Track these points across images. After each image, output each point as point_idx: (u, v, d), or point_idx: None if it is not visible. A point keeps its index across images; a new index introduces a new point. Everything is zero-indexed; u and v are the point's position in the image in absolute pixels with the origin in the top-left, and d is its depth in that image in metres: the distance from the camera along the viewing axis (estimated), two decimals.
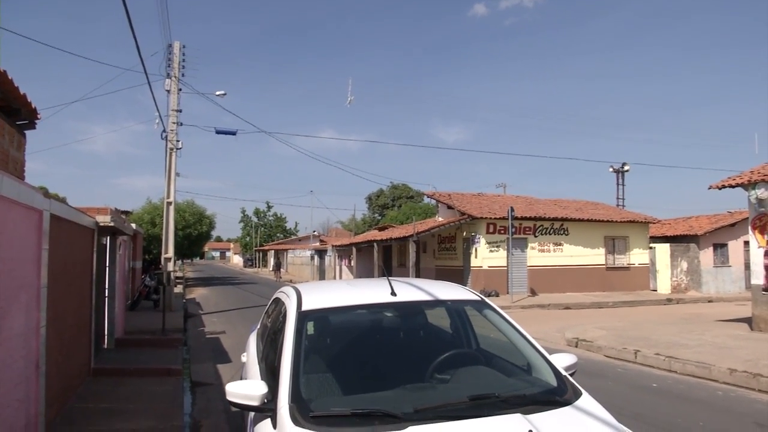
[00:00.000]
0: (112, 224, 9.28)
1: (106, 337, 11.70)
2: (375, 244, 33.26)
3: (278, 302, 4.93)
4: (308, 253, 53.40)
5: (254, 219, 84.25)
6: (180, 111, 21.52)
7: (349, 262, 41.36)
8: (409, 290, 4.24)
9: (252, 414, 3.70)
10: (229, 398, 3.34)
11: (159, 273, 18.49)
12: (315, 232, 58.25)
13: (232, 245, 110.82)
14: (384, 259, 35.06)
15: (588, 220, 28.79)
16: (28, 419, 5.25)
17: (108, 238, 11.33)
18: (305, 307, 3.91)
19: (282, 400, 3.15)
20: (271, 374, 3.67)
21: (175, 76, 21.39)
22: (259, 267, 78.18)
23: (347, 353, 3.93)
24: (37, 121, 5.42)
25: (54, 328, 6.30)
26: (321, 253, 50.74)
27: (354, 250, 39.49)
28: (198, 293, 31.72)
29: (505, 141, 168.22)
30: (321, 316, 4.02)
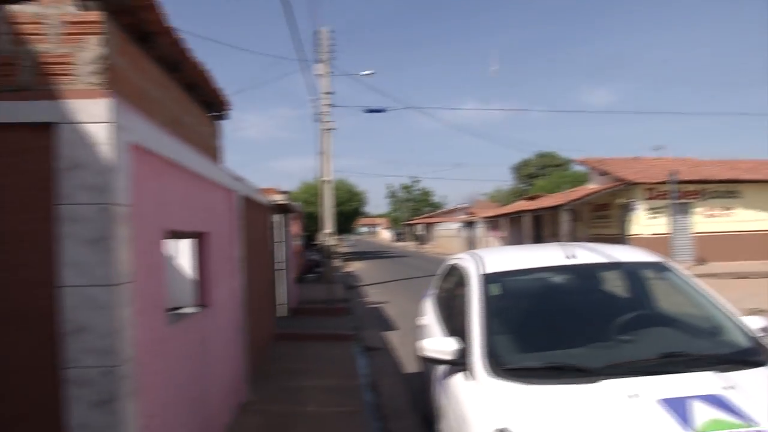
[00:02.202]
0: (285, 203, 10.07)
1: (281, 306, 12.81)
2: (525, 214, 32.71)
3: (455, 268, 5.20)
4: (456, 225, 53.68)
5: (402, 194, 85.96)
6: (332, 93, 22.56)
7: (499, 233, 41.08)
8: (586, 253, 4.29)
9: (440, 370, 3.99)
10: (425, 353, 3.65)
11: (322, 248, 19.72)
12: (463, 204, 58.28)
13: (380, 220, 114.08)
14: (535, 229, 34.39)
15: (765, 181, 26.04)
16: (233, 375, 6.01)
17: (280, 216, 12.31)
18: (488, 270, 4.13)
19: (475, 354, 3.40)
20: (456, 333, 3.93)
21: (325, 61, 22.41)
22: (408, 241, 79.93)
23: (530, 313, 4.08)
24: (227, 112, 6.12)
25: (247, 296, 7.08)
26: (469, 225, 50.81)
27: (503, 221, 39.14)
28: (354, 267, 33.27)
29: (661, 99, 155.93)
30: (503, 278, 4.21)
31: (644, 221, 25.11)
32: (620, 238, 26.12)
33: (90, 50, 3.00)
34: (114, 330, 2.86)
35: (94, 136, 2.86)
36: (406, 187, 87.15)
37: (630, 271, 4.53)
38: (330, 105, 22.36)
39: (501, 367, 3.26)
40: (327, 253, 18.51)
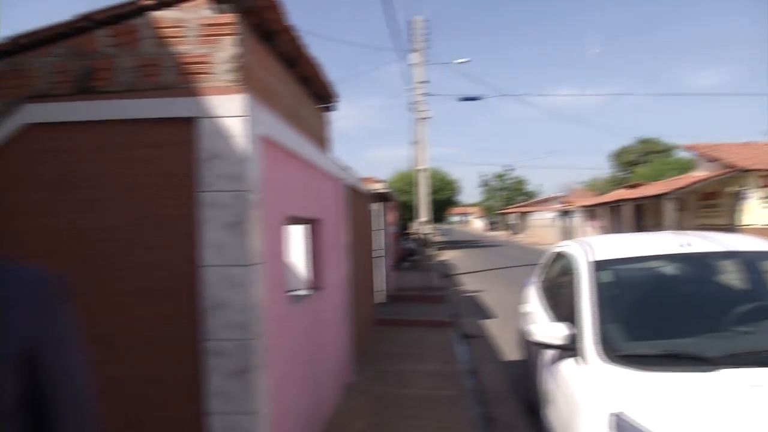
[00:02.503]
0: (384, 191, 10.29)
1: (379, 292, 13.11)
2: (625, 203, 31.42)
3: (562, 255, 5.19)
4: (551, 214, 52.38)
5: (495, 183, 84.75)
6: (426, 82, 22.63)
7: (597, 223, 39.70)
8: (701, 241, 4.17)
9: (548, 355, 4.02)
10: (534, 338, 3.70)
11: (417, 236, 19.92)
12: (558, 193, 56.78)
13: (472, 209, 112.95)
14: (636, 219, 32.97)
15: None
16: (340, 356, 6.29)
17: (378, 204, 12.58)
18: (597, 257, 4.11)
19: (587, 340, 3.42)
20: (564, 320, 3.95)
21: (419, 50, 22.49)
22: (501, 231, 78.81)
23: (643, 301, 4.03)
24: (335, 104, 6.37)
25: (352, 281, 7.36)
26: (565, 214, 49.42)
27: (602, 210, 37.78)
28: (448, 255, 33.32)
29: None
30: (613, 265, 4.18)
31: (757, 210, 23.48)
32: (730, 228, 24.55)
33: (225, 50, 3.27)
34: (248, 307, 3.13)
35: (231, 129, 3.13)
36: (499, 176, 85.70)
37: (749, 260, 4.35)
38: (424, 94, 22.45)
39: (614, 353, 3.27)
40: (422, 242, 18.69)
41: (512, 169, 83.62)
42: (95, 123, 3.30)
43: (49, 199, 3.30)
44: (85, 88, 3.39)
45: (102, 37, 3.40)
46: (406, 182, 36.78)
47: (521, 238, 51.49)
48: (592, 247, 4.37)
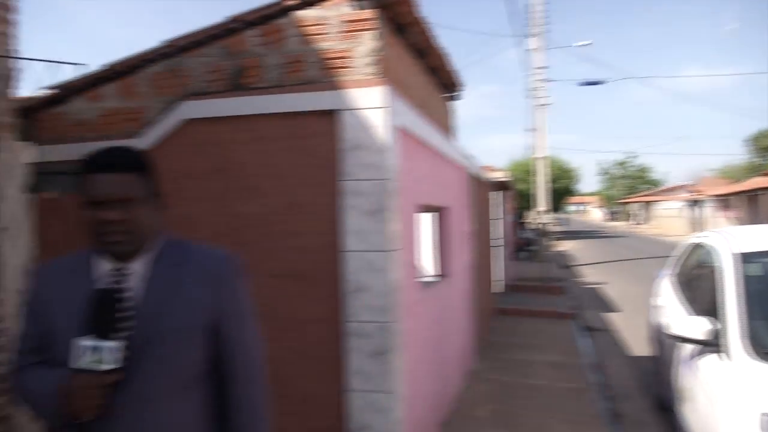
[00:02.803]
0: (503, 180, 10.18)
1: (498, 282, 13.00)
2: (764, 192, 28.89)
3: (700, 247, 4.93)
4: (678, 204, 49.19)
5: (616, 171, 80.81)
6: (545, 68, 22.00)
7: (732, 213, 36.81)
8: None
9: (687, 350, 3.85)
10: (674, 332, 3.56)
11: (535, 226, 19.52)
12: (686, 182, 53.20)
13: (590, 199, 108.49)
14: None
15: None
16: (464, 343, 6.35)
17: (497, 193, 12.46)
18: (743, 249, 3.88)
19: (733, 335, 3.25)
20: (703, 314, 3.76)
21: (538, 34, 21.88)
22: (622, 221, 75.13)
23: None
24: (460, 93, 6.42)
25: (473, 269, 7.38)
26: (694, 204, 46.21)
27: (737, 199, 34.98)
28: (567, 246, 32.31)
29: None
30: (760, 258, 3.92)
31: None
32: None
33: (365, 44, 3.41)
34: (388, 291, 3.27)
35: (371, 121, 3.26)
36: (620, 164, 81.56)
37: None
38: (543, 80, 21.83)
39: (763, 349, 3.10)
40: (540, 231, 18.29)
41: (635, 156, 79.29)
42: (246, 117, 3.56)
43: (208, 187, 3.62)
44: (237, 85, 3.66)
45: (251, 37, 3.66)
46: (523, 170, 36.01)
47: (644, 229, 48.84)
48: (736, 238, 4.12)
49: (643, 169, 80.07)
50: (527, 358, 7.46)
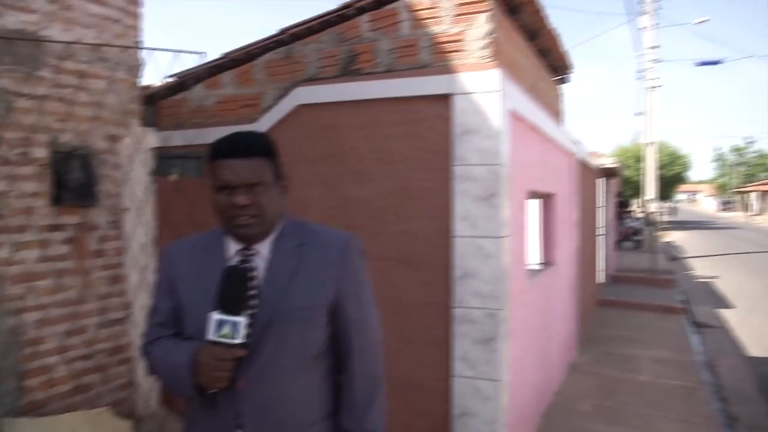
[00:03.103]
0: (611, 166, 9.77)
1: (599, 272, 12.55)
2: None
3: None
4: None
5: (731, 157, 75.36)
6: (656, 47, 20.78)
7: None
8: None
9: None
10: None
11: (643, 215, 18.64)
12: None
13: (701, 187, 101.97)
14: None
15: None
16: (567, 334, 6.18)
17: (602, 179, 11.98)
18: None
19: None
20: None
21: (650, 12, 20.66)
22: (736, 211, 70.08)
23: None
24: (569, 76, 6.19)
25: (578, 258, 7.15)
26: None
27: None
28: (676, 236, 30.60)
29: None
30: None
31: None
32: None
33: (478, 27, 3.35)
34: (497, 277, 3.23)
35: (483, 105, 3.22)
36: (737, 149, 75.97)
37: None
38: (654, 60, 20.62)
39: None
40: (647, 220, 17.42)
41: (753, 142, 73.47)
42: (358, 102, 3.61)
43: (320, 172, 3.71)
44: (349, 70, 3.72)
45: (364, 23, 3.69)
46: (630, 156, 34.40)
47: (763, 220, 45.28)
48: None
49: (762, 156, 74.12)
50: (631, 352, 7.17)
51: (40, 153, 3.14)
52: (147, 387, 3.60)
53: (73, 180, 3.28)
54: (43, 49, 3.16)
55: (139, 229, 3.61)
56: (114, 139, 3.53)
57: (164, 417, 3.46)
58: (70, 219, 3.27)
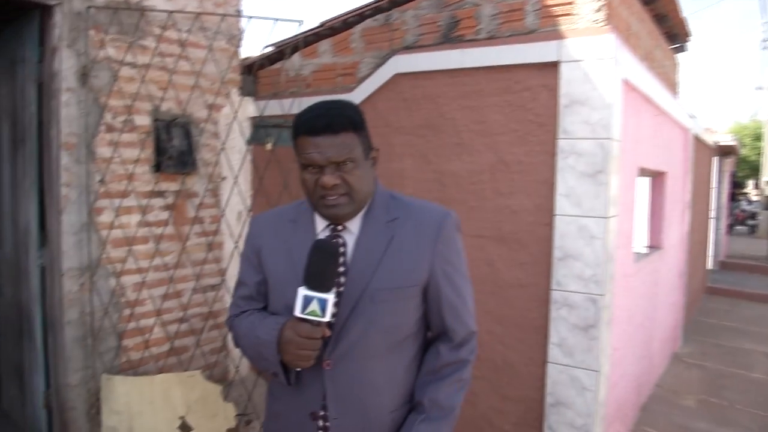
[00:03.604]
0: (729, 144, 9.03)
1: (709, 257, 11.73)
2: None
3: None
4: None
5: None
6: None
7: None
8: None
9: None
10: None
11: (759, 197, 17.25)
12: None
13: None
14: None
15: None
16: (671, 323, 5.78)
17: (717, 158, 11.12)
18: None
19: None
20: None
21: None
22: None
23: None
24: (687, 44, 5.69)
25: (688, 243, 6.66)
26: None
27: None
28: None
29: None
30: None
31: None
32: None
33: None
34: (600, 261, 3.00)
35: (594, 73, 2.96)
36: None
37: None
38: None
39: None
40: (766, 204, 16.07)
41: None
42: (457, 71, 3.43)
43: (415, 143, 3.59)
44: (449, 38, 3.54)
45: None
46: (745, 134, 31.90)
47: None
48: None
49: None
50: (743, 346, 6.63)
51: (143, 121, 3.21)
52: (238, 353, 3.67)
53: (174, 148, 3.35)
54: (147, 19, 3.21)
55: (235, 197, 3.65)
56: (213, 107, 3.56)
57: (253, 383, 3.51)
58: (170, 186, 3.34)
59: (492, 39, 3.36)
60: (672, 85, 5.38)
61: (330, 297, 1.29)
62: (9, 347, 3.60)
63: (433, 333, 1.54)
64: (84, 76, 2.98)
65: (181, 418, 3.04)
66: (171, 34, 3.32)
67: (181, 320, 3.34)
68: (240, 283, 1.59)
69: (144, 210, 3.16)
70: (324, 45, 4.17)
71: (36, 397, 3.23)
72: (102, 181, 3.01)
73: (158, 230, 3.22)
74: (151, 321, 3.19)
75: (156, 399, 3.00)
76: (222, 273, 3.57)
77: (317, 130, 1.33)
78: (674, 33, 5.27)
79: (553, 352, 3.17)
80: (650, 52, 4.37)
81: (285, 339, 1.34)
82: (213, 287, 3.55)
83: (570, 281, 3.09)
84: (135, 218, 3.14)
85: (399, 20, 3.77)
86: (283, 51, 4.32)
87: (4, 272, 3.60)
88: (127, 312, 3.08)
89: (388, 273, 1.40)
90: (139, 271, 3.14)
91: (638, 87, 3.52)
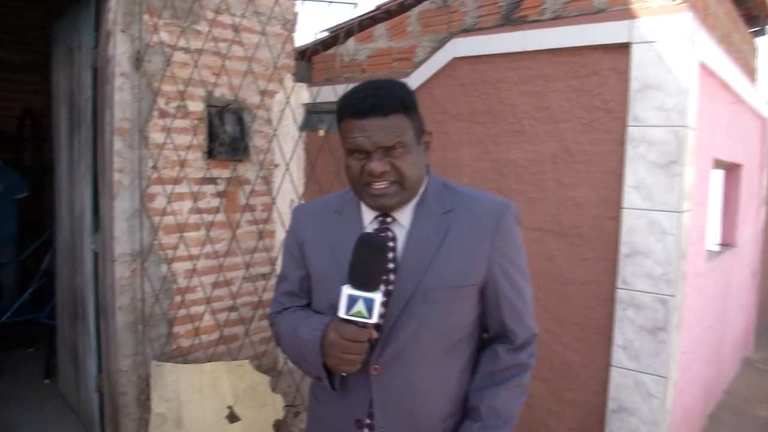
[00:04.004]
0: None
1: None
2: None
3: None
4: None
5: None
6: None
7: None
8: None
9: None
10: None
11: None
12: None
13: None
14: None
15: None
16: (743, 325, 5.43)
17: None
18: None
19: None
20: None
21: None
22: None
23: None
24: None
25: (763, 240, 6.26)
26: None
27: None
28: None
29: None
30: None
31: None
32: None
33: None
34: (672, 259, 2.78)
35: (668, 55, 2.74)
36: None
37: None
38: None
39: None
40: None
41: None
42: (518, 54, 3.26)
43: (473, 130, 3.43)
44: (510, 19, 3.37)
45: None
46: None
47: None
48: None
49: None
50: None
51: (196, 106, 3.17)
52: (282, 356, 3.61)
53: (226, 134, 3.30)
54: (200, 3, 3.16)
55: (287, 185, 3.58)
56: (266, 93, 3.49)
57: (302, 375, 3.44)
58: (222, 173, 3.29)
59: (557, 19, 3.17)
60: (750, 71, 5.01)
61: (377, 297, 1.15)
62: (66, 331, 3.65)
63: (490, 335, 1.40)
64: (138, 60, 2.95)
65: (230, 407, 3.00)
66: (224, 18, 3.26)
67: (230, 309, 3.30)
68: (282, 278, 1.49)
69: (196, 197, 3.12)
70: (379, 29, 4.05)
71: (89, 380, 3.25)
72: (155, 167, 2.99)
73: (209, 217, 3.18)
74: (201, 308, 3.15)
75: (205, 388, 2.96)
76: (272, 262, 3.51)
77: (364, 112, 1.20)
78: (754, 15, 4.90)
79: (618, 355, 2.98)
80: (728, 34, 4.06)
81: (329, 341, 1.21)
82: (263, 276, 3.49)
83: (638, 280, 2.88)
84: (187, 205, 3.10)
85: (457, 2, 3.62)
86: (337, 35, 4.23)
87: (62, 257, 3.65)
88: (177, 299, 3.05)
89: (443, 271, 1.26)
90: (190, 258, 3.11)
91: (715, 71, 3.26)
